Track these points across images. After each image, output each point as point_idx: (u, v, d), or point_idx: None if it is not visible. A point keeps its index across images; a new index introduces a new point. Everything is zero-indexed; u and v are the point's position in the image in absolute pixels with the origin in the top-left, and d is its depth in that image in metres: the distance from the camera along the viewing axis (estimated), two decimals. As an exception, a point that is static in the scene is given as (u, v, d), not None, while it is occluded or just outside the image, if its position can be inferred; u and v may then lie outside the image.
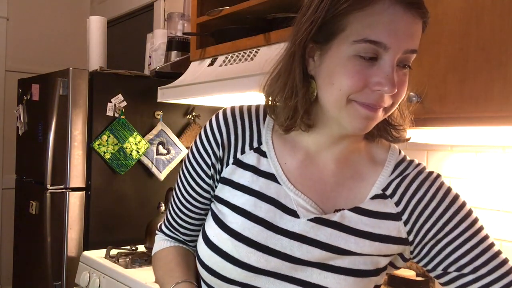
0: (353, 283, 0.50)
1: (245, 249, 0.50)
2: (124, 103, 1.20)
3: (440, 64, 0.64)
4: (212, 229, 0.52)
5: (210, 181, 0.55)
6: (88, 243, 1.24)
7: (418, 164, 0.53)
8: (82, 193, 1.25)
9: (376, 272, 0.51)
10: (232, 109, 0.56)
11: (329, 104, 0.49)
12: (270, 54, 0.79)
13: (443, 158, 0.76)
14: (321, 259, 0.50)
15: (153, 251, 0.59)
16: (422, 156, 0.82)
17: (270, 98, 0.52)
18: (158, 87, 1.02)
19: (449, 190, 0.50)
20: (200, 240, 0.53)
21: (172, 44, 0.94)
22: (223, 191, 0.54)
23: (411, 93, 0.67)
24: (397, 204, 0.51)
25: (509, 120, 0.59)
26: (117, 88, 1.23)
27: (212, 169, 0.55)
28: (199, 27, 0.87)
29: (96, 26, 1.35)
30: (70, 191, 1.23)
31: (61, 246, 1.24)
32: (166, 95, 0.79)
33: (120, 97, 1.20)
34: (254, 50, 0.81)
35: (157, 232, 0.60)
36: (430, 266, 0.52)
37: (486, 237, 0.50)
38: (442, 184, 0.51)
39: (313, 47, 0.49)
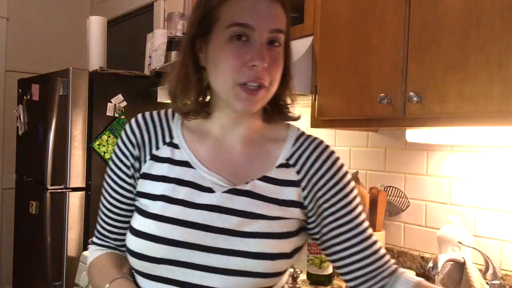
0: (272, 245, 0.55)
1: (168, 226, 0.55)
2: (124, 103, 1.20)
3: (440, 64, 0.64)
4: (136, 221, 0.57)
5: (131, 181, 0.60)
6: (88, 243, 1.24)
7: (316, 138, 0.60)
8: (82, 193, 1.25)
9: (290, 234, 0.56)
10: (143, 114, 0.62)
11: (218, 88, 0.56)
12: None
13: (443, 158, 0.77)
14: (239, 225, 0.55)
15: (87, 263, 0.62)
16: (422, 156, 0.81)
17: (172, 94, 0.59)
18: (158, 87, 1.02)
19: (341, 165, 0.58)
20: (128, 234, 0.58)
21: (172, 44, 0.94)
22: (144, 185, 0.59)
23: (411, 93, 0.67)
24: (298, 172, 0.58)
25: (509, 120, 0.59)
26: (117, 88, 1.23)
27: (132, 168, 0.60)
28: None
29: (96, 26, 1.35)
30: (70, 191, 1.23)
31: (61, 246, 1.24)
32: (166, 95, 0.79)
33: (120, 97, 1.20)
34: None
35: (89, 246, 0.63)
36: (317, 236, 0.58)
37: (360, 212, 0.58)
38: (336, 158, 0.59)
39: (200, 41, 0.57)
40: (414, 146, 0.82)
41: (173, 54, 0.81)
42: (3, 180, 1.81)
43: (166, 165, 0.59)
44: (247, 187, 0.57)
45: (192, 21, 0.58)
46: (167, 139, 0.61)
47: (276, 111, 0.60)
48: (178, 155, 0.60)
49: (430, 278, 0.78)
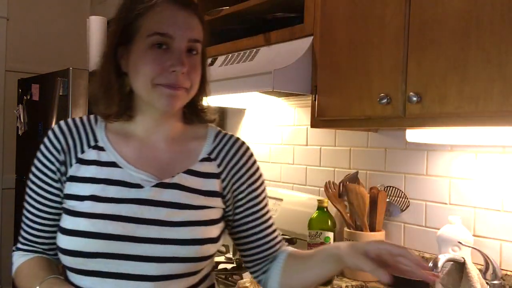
0: (201, 232, 0.61)
1: (101, 222, 0.59)
2: (124, 103, 1.20)
3: (440, 64, 0.64)
4: (67, 221, 0.60)
5: (58, 185, 0.63)
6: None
7: (233, 136, 0.66)
8: (82, 193, 1.24)
9: (216, 221, 0.62)
10: (65, 120, 0.66)
11: (140, 90, 0.61)
12: (270, 54, 0.79)
13: (443, 158, 0.76)
14: (168, 216, 0.60)
15: (13, 270, 0.63)
16: (422, 156, 0.81)
17: (94, 98, 0.63)
18: None
19: (254, 160, 0.65)
20: (58, 236, 0.60)
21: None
22: (71, 188, 0.62)
23: (411, 93, 0.67)
24: (219, 165, 0.64)
25: (509, 120, 0.59)
26: (117, 88, 1.22)
27: (58, 173, 0.63)
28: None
29: (96, 26, 1.35)
30: (70, 191, 1.22)
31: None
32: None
33: (120, 97, 1.20)
34: (254, 50, 0.81)
35: (13, 253, 0.65)
36: (230, 222, 0.65)
37: (266, 204, 0.66)
38: (251, 154, 0.66)
39: (122, 49, 0.61)
40: (414, 146, 0.82)
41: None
42: (3, 180, 1.81)
43: (93, 167, 0.62)
44: (174, 180, 0.62)
45: (113, 31, 0.63)
46: (92, 143, 0.64)
47: (194, 113, 0.66)
48: (104, 156, 0.63)
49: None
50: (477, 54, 0.60)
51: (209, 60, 0.78)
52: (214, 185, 0.64)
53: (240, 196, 0.65)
